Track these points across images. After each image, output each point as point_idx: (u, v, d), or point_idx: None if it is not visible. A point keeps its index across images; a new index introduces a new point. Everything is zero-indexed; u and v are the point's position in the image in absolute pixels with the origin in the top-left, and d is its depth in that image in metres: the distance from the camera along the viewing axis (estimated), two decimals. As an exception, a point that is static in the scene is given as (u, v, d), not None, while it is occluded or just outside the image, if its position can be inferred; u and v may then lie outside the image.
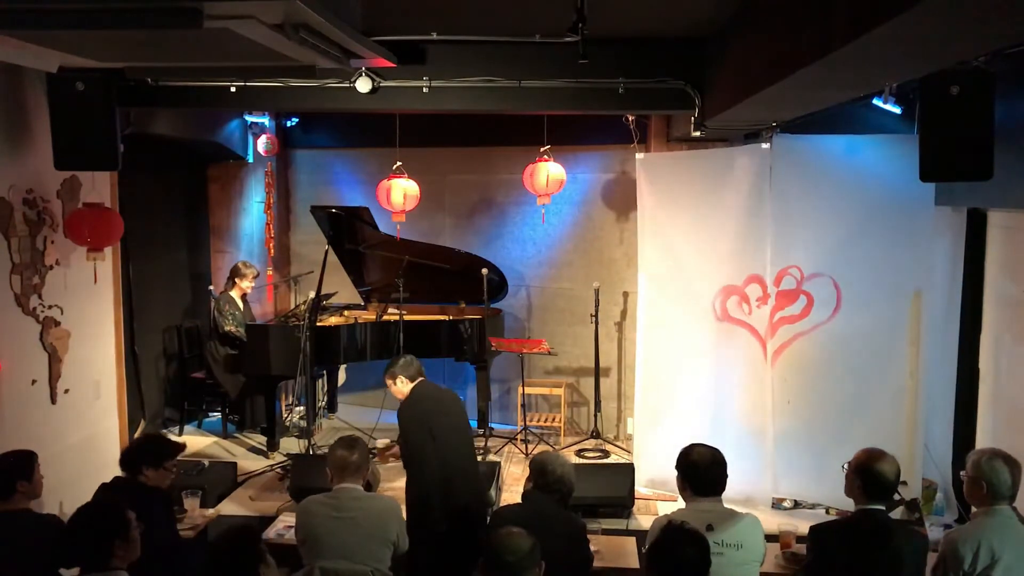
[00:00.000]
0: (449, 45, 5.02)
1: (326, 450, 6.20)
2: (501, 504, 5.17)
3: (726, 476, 3.36)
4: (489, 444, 6.52)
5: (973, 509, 3.23)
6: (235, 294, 6.84)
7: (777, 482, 5.37)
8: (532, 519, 3.13)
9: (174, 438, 6.67)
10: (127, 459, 3.74)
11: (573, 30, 3.47)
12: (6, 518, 3.36)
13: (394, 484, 5.79)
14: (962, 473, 3.25)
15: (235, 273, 6.87)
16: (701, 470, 3.34)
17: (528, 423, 6.69)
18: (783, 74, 3.39)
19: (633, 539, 4.13)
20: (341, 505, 3.55)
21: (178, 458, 3.90)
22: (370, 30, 4.39)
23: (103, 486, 3.76)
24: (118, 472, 3.81)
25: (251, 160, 7.46)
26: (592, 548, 3.82)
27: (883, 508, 3.26)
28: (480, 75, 5.04)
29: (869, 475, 3.23)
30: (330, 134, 7.94)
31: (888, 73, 3.50)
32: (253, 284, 6.93)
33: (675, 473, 3.42)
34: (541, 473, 3.59)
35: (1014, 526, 3.08)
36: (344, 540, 3.49)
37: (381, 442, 4.84)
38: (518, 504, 3.70)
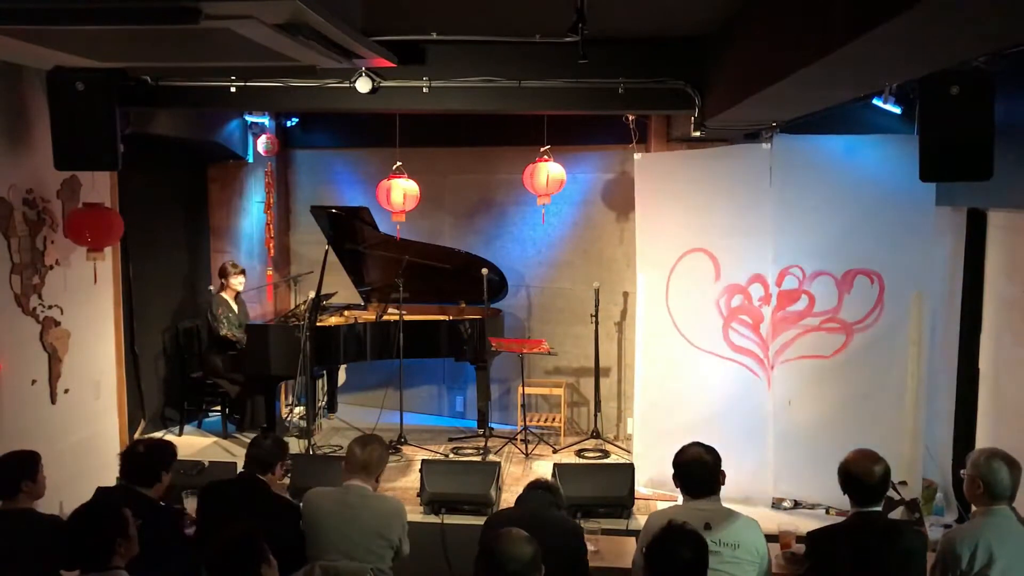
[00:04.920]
0: (449, 45, 5.02)
1: (326, 450, 6.27)
2: (501, 504, 5.17)
3: (718, 476, 3.36)
4: (489, 444, 6.52)
5: (972, 509, 3.23)
6: (227, 295, 6.84)
7: (777, 482, 5.37)
8: (527, 521, 3.11)
9: (173, 438, 6.71)
10: (145, 471, 3.58)
11: (573, 30, 3.47)
12: (9, 517, 3.37)
13: (395, 484, 5.79)
14: (962, 472, 3.25)
15: (222, 274, 6.88)
16: (692, 470, 3.35)
17: (528, 423, 6.69)
18: (783, 74, 3.39)
19: (633, 539, 4.11)
20: (348, 501, 3.57)
21: (178, 458, 3.90)
22: (370, 30, 4.39)
23: (102, 490, 3.73)
24: (117, 472, 3.79)
25: (251, 160, 7.45)
26: (592, 548, 3.82)
27: (879, 509, 3.26)
28: (480, 75, 5.04)
29: (851, 478, 3.24)
30: (330, 134, 7.94)
31: (888, 73, 3.50)
32: (243, 281, 6.93)
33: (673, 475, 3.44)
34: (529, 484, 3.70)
35: (1012, 526, 3.08)
36: (347, 536, 3.50)
37: None
38: (511, 508, 3.69)
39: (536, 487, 3.67)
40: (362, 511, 3.55)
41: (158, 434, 6.61)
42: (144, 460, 3.61)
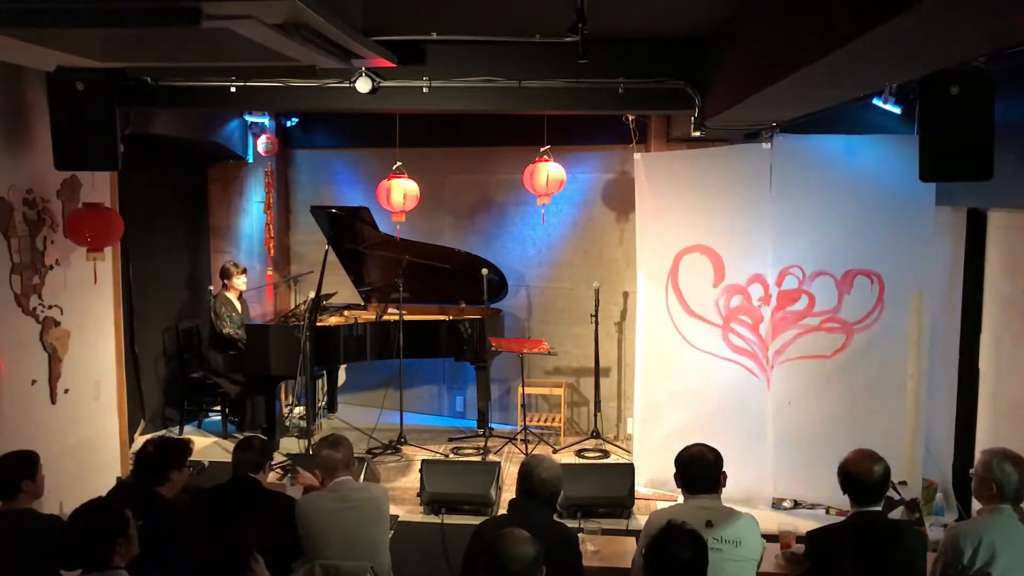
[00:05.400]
0: (449, 45, 5.02)
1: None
2: (502, 504, 5.17)
3: (720, 476, 3.37)
4: (489, 444, 6.52)
5: (975, 507, 3.23)
6: (231, 295, 6.84)
7: (777, 482, 5.37)
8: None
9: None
10: (151, 467, 3.66)
11: (573, 30, 3.46)
12: (9, 517, 3.37)
13: (395, 484, 5.80)
14: (971, 471, 3.25)
15: (224, 275, 6.89)
16: (694, 469, 3.37)
17: (528, 423, 6.69)
18: (783, 74, 3.39)
19: (633, 539, 4.11)
20: (344, 496, 3.62)
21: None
22: (370, 30, 4.39)
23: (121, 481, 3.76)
24: (118, 472, 3.81)
25: (251, 160, 7.46)
26: (592, 548, 3.82)
27: (879, 509, 3.26)
28: (480, 75, 5.04)
29: (851, 478, 3.25)
30: (330, 134, 7.94)
31: (888, 73, 3.50)
32: (245, 280, 6.94)
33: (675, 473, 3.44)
34: (526, 477, 3.47)
35: (1016, 526, 3.09)
36: (347, 531, 3.56)
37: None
38: (504, 515, 3.60)
39: (532, 497, 3.44)
40: (359, 502, 3.63)
41: (158, 434, 6.61)
42: (153, 460, 3.68)
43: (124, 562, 2.81)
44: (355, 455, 3.88)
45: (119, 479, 3.85)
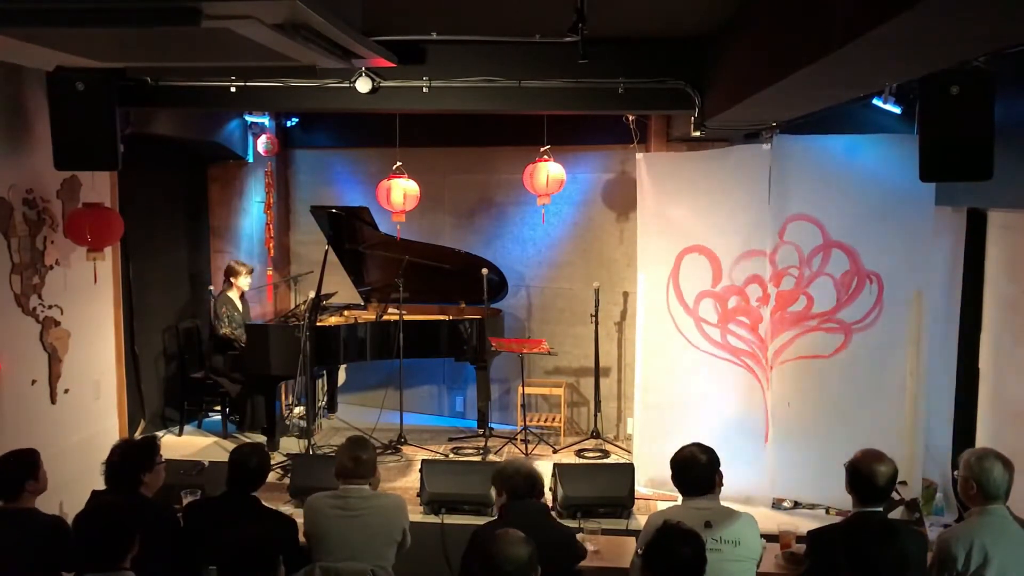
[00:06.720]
0: (449, 45, 5.02)
1: (326, 450, 6.27)
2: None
3: (715, 475, 3.37)
4: (489, 444, 6.52)
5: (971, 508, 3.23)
6: (233, 294, 6.85)
7: (777, 482, 5.37)
8: None
9: (173, 438, 6.72)
10: (121, 474, 3.56)
11: (573, 30, 3.47)
12: (11, 517, 3.37)
13: (395, 484, 5.79)
14: (955, 473, 3.25)
15: (230, 272, 6.88)
16: (687, 471, 3.37)
17: (528, 423, 6.69)
18: (783, 74, 3.39)
19: (633, 539, 4.11)
20: (348, 505, 3.58)
21: (178, 458, 3.89)
22: (370, 30, 4.39)
23: (96, 493, 3.72)
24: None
25: (251, 160, 7.46)
26: (592, 548, 3.82)
27: (880, 510, 3.26)
28: (480, 75, 5.04)
29: (860, 477, 3.25)
30: (330, 134, 7.94)
31: (888, 73, 3.50)
32: (250, 280, 6.94)
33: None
34: (509, 480, 3.46)
35: (1007, 526, 3.08)
36: (350, 539, 3.52)
37: None
38: (498, 520, 3.53)
39: (517, 496, 3.45)
40: (365, 512, 3.57)
41: (159, 434, 6.61)
42: (122, 468, 3.57)
43: (129, 563, 2.83)
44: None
45: (94, 492, 3.76)
